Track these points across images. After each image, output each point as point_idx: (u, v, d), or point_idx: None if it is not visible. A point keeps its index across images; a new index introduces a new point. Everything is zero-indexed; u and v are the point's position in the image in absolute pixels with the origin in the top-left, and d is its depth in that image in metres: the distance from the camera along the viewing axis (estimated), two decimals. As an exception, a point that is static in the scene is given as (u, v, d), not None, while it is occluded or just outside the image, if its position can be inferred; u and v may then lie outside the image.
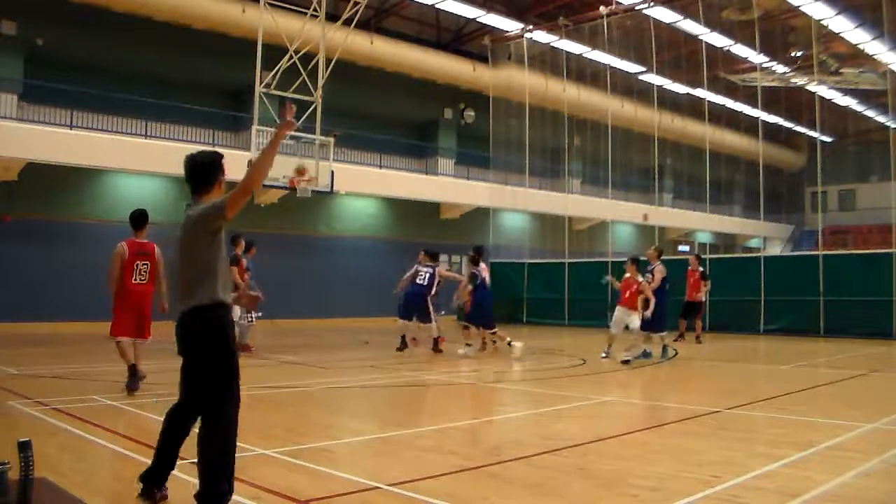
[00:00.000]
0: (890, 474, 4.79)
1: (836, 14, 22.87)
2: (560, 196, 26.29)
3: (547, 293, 23.32)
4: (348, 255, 23.03)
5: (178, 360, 3.80)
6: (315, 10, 16.46)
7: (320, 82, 16.30)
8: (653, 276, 12.25)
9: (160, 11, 18.56)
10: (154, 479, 3.85)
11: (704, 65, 24.28)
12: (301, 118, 16.40)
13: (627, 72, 27.16)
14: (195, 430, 3.76)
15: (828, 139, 34.79)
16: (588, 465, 4.87)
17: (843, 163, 36.10)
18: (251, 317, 12.33)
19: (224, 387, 3.66)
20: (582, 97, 25.84)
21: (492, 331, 12.85)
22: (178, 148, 18.80)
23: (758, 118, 25.67)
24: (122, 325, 7.85)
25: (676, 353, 12.35)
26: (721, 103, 31.21)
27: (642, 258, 12.60)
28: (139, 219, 7.99)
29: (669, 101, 28.57)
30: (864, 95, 32.51)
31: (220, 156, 4.01)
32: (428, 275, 13.02)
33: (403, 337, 13.28)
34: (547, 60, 25.89)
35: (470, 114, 27.42)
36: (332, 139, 16.03)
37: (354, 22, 17.02)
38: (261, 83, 15.65)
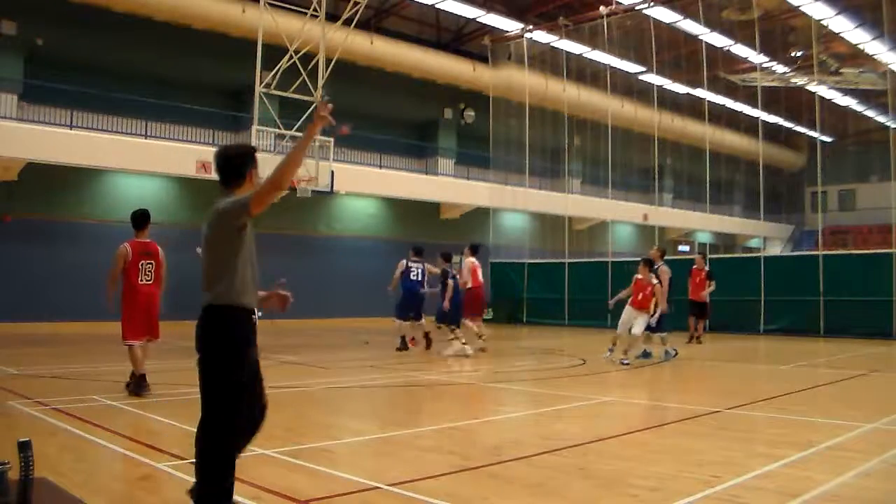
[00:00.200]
0: (890, 474, 4.79)
1: (836, 14, 22.86)
2: (560, 196, 26.30)
3: (547, 293, 23.33)
4: (348, 255, 23.03)
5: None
6: (315, 10, 16.47)
7: (320, 82, 16.31)
8: (657, 277, 12.23)
9: (160, 11, 18.55)
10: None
11: (704, 65, 24.29)
12: (301, 118, 16.42)
13: (627, 72, 27.15)
14: (192, 429, 3.74)
15: (828, 139, 34.78)
16: (588, 465, 4.88)
17: (843, 163, 36.09)
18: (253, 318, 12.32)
19: (221, 394, 3.55)
20: (582, 97, 25.85)
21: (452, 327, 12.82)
22: (178, 148, 18.83)
23: (758, 118, 25.68)
24: (133, 328, 7.68)
25: (676, 353, 12.35)
26: (721, 103, 31.21)
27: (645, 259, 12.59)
28: (141, 219, 7.92)
29: (669, 101, 28.56)
30: (864, 95, 32.50)
31: (253, 148, 3.93)
32: (420, 271, 13.39)
33: (403, 337, 13.37)
34: (547, 60, 25.89)
35: (470, 114, 27.42)
36: (331, 139, 16.04)
37: (354, 22, 17.03)
38: (261, 83, 15.66)
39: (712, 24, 23.95)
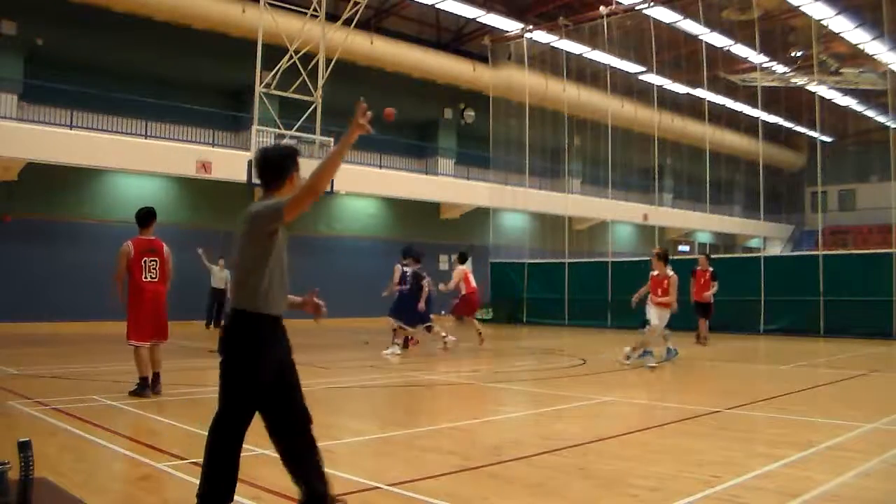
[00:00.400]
0: (890, 474, 4.78)
1: (836, 14, 22.87)
2: (560, 196, 26.30)
3: (547, 293, 23.33)
4: (348, 255, 23.03)
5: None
6: (315, 10, 16.48)
7: (320, 82, 16.31)
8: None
9: (160, 11, 18.55)
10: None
11: (704, 65, 24.29)
12: (300, 118, 16.42)
13: (627, 72, 27.16)
14: (200, 432, 3.74)
15: (828, 139, 34.79)
16: (588, 465, 4.87)
17: (843, 163, 36.11)
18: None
19: (233, 396, 3.54)
20: (582, 97, 25.85)
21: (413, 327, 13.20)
22: (178, 148, 18.83)
23: (758, 118, 25.68)
24: (139, 328, 7.50)
25: (677, 353, 12.33)
26: (721, 103, 31.22)
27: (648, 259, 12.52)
28: (145, 216, 7.87)
29: (669, 101, 28.57)
30: (864, 95, 32.51)
31: (295, 150, 3.83)
32: (410, 274, 13.44)
33: (406, 338, 13.42)
34: (547, 60, 25.90)
35: (470, 114, 27.43)
36: (332, 139, 16.03)
37: (354, 22, 17.04)
38: (261, 83, 15.67)
39: (712, 24, 23.96)
